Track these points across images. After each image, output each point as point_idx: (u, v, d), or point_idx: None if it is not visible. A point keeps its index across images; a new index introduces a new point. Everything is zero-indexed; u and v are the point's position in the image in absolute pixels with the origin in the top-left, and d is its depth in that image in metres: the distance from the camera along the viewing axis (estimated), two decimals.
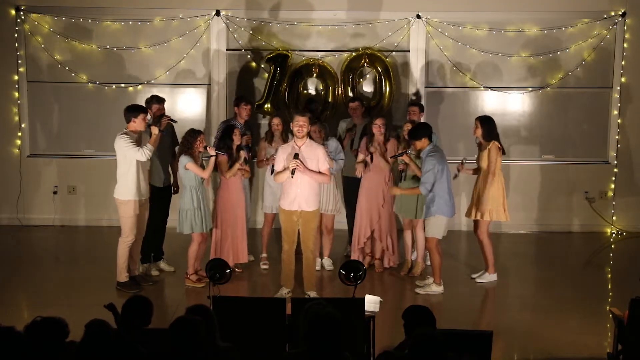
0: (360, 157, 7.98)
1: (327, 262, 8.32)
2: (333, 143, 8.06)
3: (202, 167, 7.57)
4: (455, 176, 7.79)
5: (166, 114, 8.04)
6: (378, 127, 7.87)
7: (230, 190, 7.81)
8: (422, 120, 8.53)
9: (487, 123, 7.71)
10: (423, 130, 7.43)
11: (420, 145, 7.40)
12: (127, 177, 7.31)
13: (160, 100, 8.08)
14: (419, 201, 7.74)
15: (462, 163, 7.82)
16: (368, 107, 9.25)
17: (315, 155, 7.07)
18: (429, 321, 4.51)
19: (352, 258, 7.91)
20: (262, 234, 8.46)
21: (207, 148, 7.52)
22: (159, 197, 7.89)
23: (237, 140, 7.73)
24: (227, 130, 7.83)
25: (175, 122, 8.04)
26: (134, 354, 4.09)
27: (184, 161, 7.45)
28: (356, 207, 8.12)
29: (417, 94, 9.68)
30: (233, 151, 7.73)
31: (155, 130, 7.37)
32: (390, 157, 7.84)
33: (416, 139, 7.40)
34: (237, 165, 7.69)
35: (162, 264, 8.20)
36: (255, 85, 9.83)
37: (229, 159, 7.71)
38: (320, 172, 7.08)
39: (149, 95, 8.18)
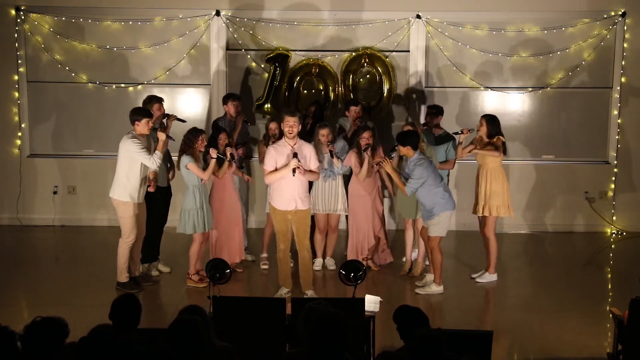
0: (357, 169, 7.92)
1: (330, 262, 8.32)
2: (340, 143, 8.06)
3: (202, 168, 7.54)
4: (456, 134, 7.89)
5: (166, 112, 7.98)
6: (366, 140, 7.81)
7: (226, 190, 7.80)
8: (440, 122, 8.54)
9: (492, 121, 7.74)
10: (411, 139, 7.29)
11: (404, 152, 7.32)
12: (128, 178, 7.27)
13: (159, 100, 7.99)
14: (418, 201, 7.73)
15: (469, 130, 7.85)
16: (367, 107, 9.22)
17: (306, 154, 7.15)
18: (421, 321, 4.49)
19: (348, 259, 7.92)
20: (264, 234, 8.43)
21: (210, 150, 7.49)
22: (158, 196, 7.85)
23: (222, 143, 7.63)
24: (213, 136, 7.75)
25: (184, 121, 7.92)
26: (133, 354, 4.08)
27: (185, 161, 7.41)
28: (351, 216, 8.09)
29: (421, 94, 9.67)
30: (226, 153, 7.64)
31: (162, 136, 7.30)
32: (375, 164, 7.75)
33: (402, 145, 7.29)
34: (225, 164, 7.62)
35: (160, 265, 8.18)
36: (255, 85, 9.83)
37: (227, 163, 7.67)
38: (311, 171, 7.20)
39: (148, 96, 8.12)
